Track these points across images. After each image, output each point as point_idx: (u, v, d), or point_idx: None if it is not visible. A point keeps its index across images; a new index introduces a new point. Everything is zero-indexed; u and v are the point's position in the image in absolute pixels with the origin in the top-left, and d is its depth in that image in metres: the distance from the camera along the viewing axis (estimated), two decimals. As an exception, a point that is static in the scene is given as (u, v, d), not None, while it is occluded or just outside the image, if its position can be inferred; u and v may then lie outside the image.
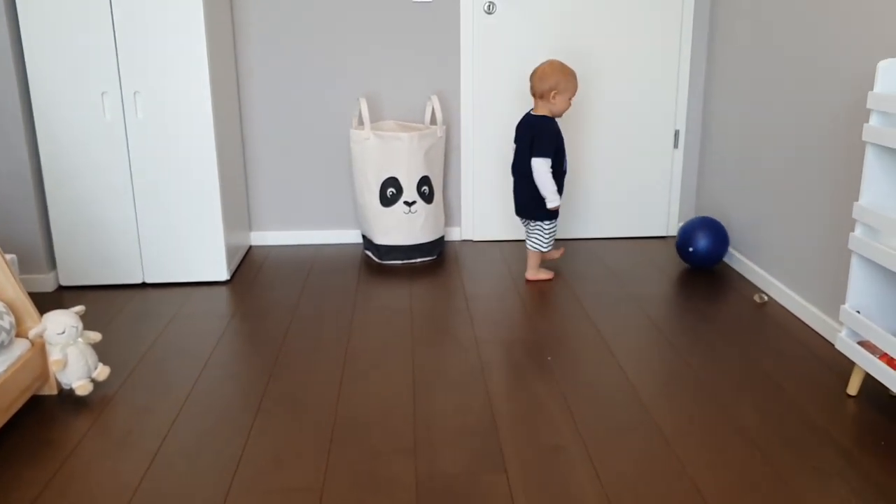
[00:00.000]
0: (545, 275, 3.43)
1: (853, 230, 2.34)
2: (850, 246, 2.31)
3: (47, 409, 2.32)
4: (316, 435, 2.17)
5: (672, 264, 3.69)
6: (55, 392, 2.39)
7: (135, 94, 3.19)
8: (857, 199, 2.31)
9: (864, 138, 2.22)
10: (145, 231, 3.33)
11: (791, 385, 2.45)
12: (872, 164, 2.23)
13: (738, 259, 3.55)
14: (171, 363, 2.64)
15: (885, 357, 2.23)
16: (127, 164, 3.26)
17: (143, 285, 3.40)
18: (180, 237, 3.35)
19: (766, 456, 2.06)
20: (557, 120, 3.28)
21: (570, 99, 3.23)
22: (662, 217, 4.10)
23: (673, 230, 4.12)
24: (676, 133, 3.99)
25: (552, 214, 3.30)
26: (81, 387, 2.35)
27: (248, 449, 2.11)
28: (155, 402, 2.37)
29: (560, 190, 3.28)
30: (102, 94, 3.17)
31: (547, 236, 3.34)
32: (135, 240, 3.33)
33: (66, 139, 3.20)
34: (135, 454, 2.09)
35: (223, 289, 3.38)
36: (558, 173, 3.26)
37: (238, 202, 3.74)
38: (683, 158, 4.03)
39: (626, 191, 4.04)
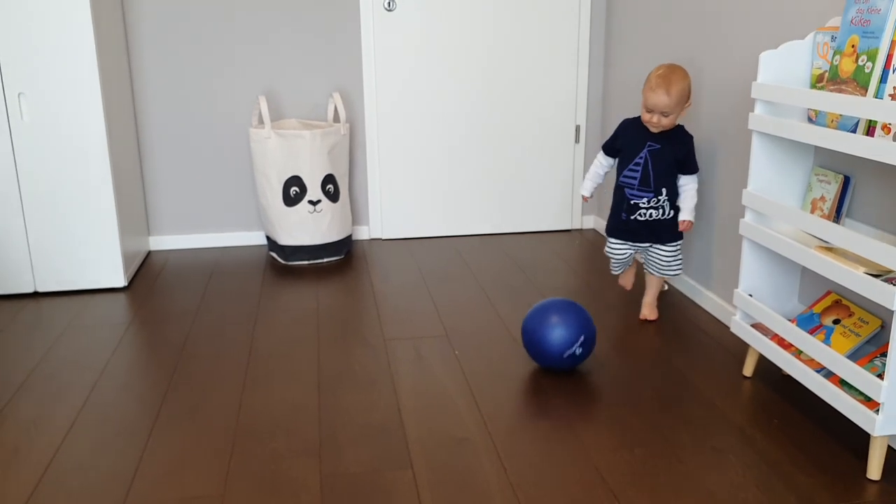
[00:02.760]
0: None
1: (743, 216, 2.44)
2: (741, 231, 2.40)
3: (-75, 429, 2.18)
4: (217, 442, 2.11)
5: (575, 257, 3.76)
6: (-66, 410, 2.25)
7: (19, 95, 3.03)
8: (745, 187, 2.40)
9: (749, 126, 2.31)
10: (35, 238, 3.17)
11: (690, 369, 2.54)
12: (758, 152, 2.33)
13: (640, 249, 3.65)
14: (65, 375, 2.52)
15: (776, 338, 2.33)
16: (13, 169, 3.09)
17: (35, 294, 3.24)
18: (73, 243, 3.21)
19: (665, 437, 2.12)
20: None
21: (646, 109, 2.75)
22: (567, 210, 4.18)
23: (577, 223, 4.21)
24: (577, 128, 4.07)
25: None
26: (-37, 403, 2.22)
27: (145, 459, 2.03)
28: (46, 415, 2.26)
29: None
30: (-17, 94, 3.01)
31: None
32: (24, 247, 3.17)
33: (-56, 143, 3.02)
34: (24, 470, 1.98)
35: (120, 295, 3.25)
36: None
37: (135, 205, 3.61)
38: (585, 153, 4.12)
39: (530, 186, 4.10)
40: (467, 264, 3.60)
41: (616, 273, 3.10)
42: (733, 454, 2.05)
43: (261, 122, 3.63)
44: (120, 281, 3.29)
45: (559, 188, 4.14)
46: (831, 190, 2.23)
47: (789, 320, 2.25)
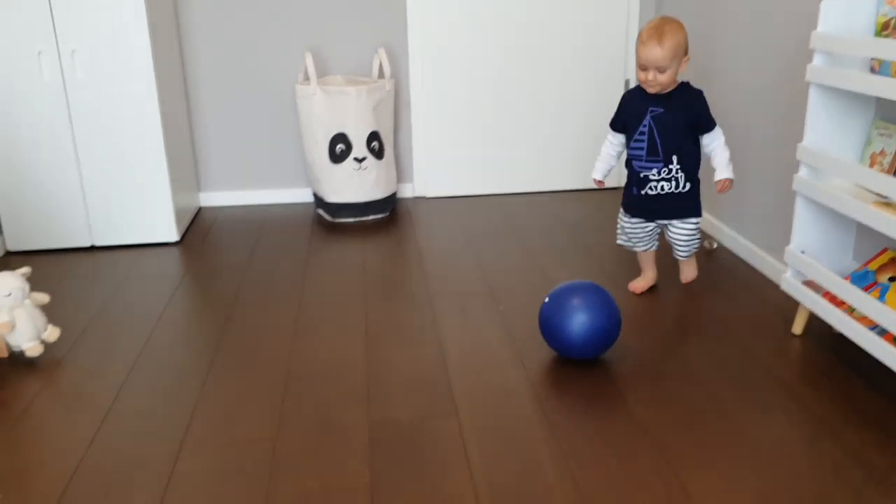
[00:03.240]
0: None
1: (797, 172, 2.39)
2: (795, 187, 2.36)
3: (-5, 373, 2.29)
4: (269, 388, 2.18)
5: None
6: (5, 355, 2.35)
7: (73, 52, 3.09)
8: (800, 141, 2.35)
9: (807, 79, 2.25)
10: (91, 193, 3.26)
11: (738, 327, 2.52)
12: (816, 105, 2.27)
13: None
14: (122, 324, 2.61)
15: (827, 295, 2.29)
16: (69, 125, 3.17)
17: (92, 248, 3.33)
18: (128, 199, 3.29)
19: (711, 393, 2.12)
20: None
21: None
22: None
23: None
24: (627, 83, 4.00)
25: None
26: (31, 348, 2.31)
27: (200, 405, 2.10)
28: (106, 361, 2.35)
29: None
30: (39, 53, 3.07)
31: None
32: (81, 202, 3.26)
33: (4, 99, 3.10)
34: (87, 413, 2.07)
35: (173, 250, 3.33)
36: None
37: (185, 162, 3.68)
38: (634, 109, 4.05)
39: (577, 143, 4.06)
40: (512, 222, 3.60)
41: (624, 244, 2.80)
42: (780, 410, 2.04)
43: (307, 78, 3.65)
44: (172, 236, 3.37)
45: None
46: (892, 144, 2.17)
47: (843, 278, 2.21)
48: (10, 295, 2.28)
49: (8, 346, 2.35)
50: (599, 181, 2.74)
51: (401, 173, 4.01)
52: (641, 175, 2.56)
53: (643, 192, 2.58)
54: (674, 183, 2.55)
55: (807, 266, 2.33)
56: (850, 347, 2.33)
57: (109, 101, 3.16)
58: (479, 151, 4.00)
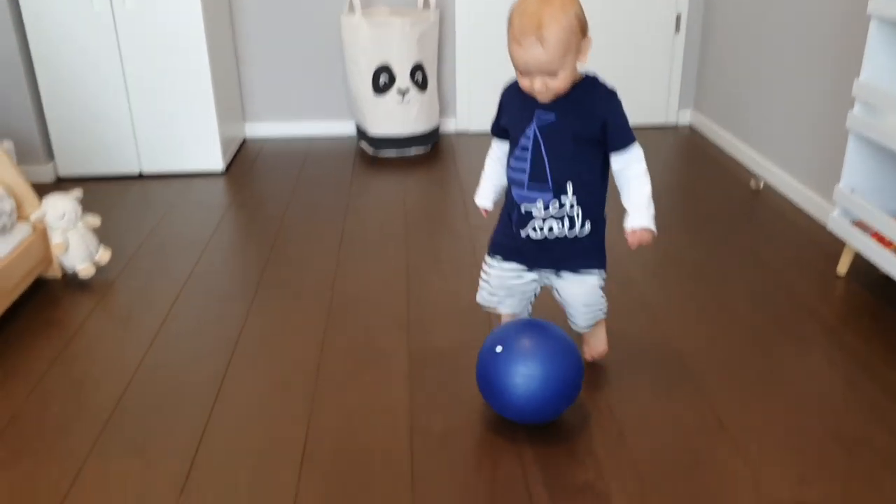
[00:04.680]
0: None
1: (852, 108, 2.32)
2: (848, 124, 2.30)
3: (52, 292, 2.38)
4: (312, 315, 2.23)
5: (669, 153, 3.67)
6: (59, 275, 2.44)
7: (121, -21, 3.11)
8: (856, 76, 2.27)
9: (868, 11, 2.17)
10: (140, 122, 3.31)
11: (782, 266, 2.49)
12: (875, 39, 2.19)
13: (735, 145, 3.53)
14: (170, 249, 2.68)
15: (876, 235, 2.25)
16: (117, 54, 3.20)
17: (140, 176, 3.40)
18: (175, 128, 3.33)
19: (752, 330, 2.12)
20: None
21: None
22: (662, 104, 4.05)
23: (672, 117, 4.08)
24: (678, 17, 3.89)
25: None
26: (84, 270, 2.39)
27: (246, 327, 2.17)
28: (156, 284, 2.42)
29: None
30: (87, -21, 3.09)
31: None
32: (130, 131, 3.32)
33: (54, 29, 3.14)
34: (138, 332, 2.15)
35: (219, 179, 3.39)
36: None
37: (231, 93, 3.70)
38: (685, 44, 3.95)
39: (625, 76, 3.97)
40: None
41: (484, 303, 1.91)
42: (820, 349, 2.03)
43: (352, 9, 3.61)
44: (219, 165, 3.42)
45: (656, 81, 4.00)
46: (952, 80, 2.09)
47: (893, 218, 2.17)
48: (63, 217, 2.36)
49: (62, 267, 2.43)
50: (485, 210, 1.89)
51: (443, 107, 3.98)
52: (523, 210, 1.73)
53: (524, 235, 1.75)
54: (566, 223, 1.71)
55: (856, 205, 2.29)
56: (895, 289, 2.30)
57: (157, 31, 3.18)
58: (523, 86, 3.95)
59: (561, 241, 1.74)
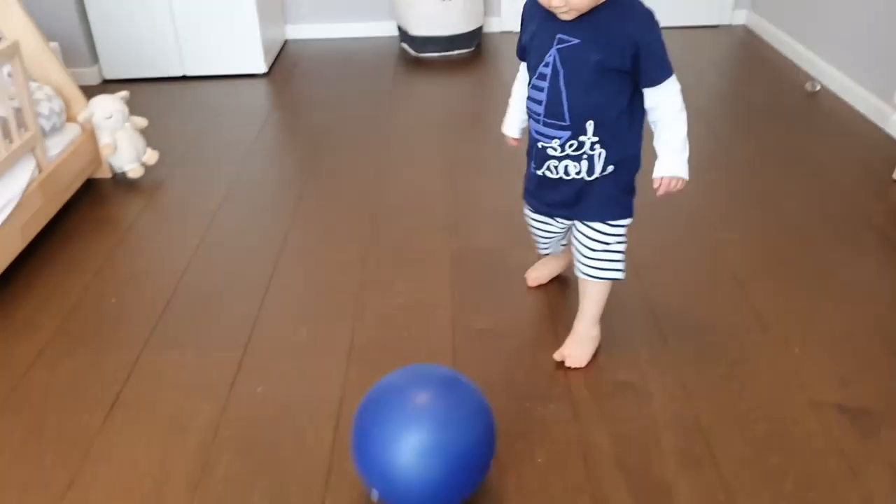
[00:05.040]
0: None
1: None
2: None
3: (102, 191, 2.43)
4: (357, 215, 2.25)
5: (722, 55, 3.54)
6: (109, 175, 2.49)
7: None
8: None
9: None
10: (182, 24, 3.28)
11: (837, 170, 2.42)
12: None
13: (792, 46, 3.38)
14: (216, 151, 2.70)
15: (935, 139, 2.17)
16: (157, -48, 3.16)
17: (184, 78, 3.41)
18: (217, 30, 3.30)
19: (804, 234, 2.08)
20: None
21: None
22: (717, 4, 3.88)
23: (727, 19, 3.91)
24: None
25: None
26: (133, 170, 2.43)
27: (292, 228, 2.20)
28: (203, 185, 2.46)
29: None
30: None
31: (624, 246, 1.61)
32: (172, 33, 3.30)
33: (93, -76, 3.10)
34: (187, 231, 2.20)
35: (261, 81, 3.37)
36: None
37: (272, -7, 3.64)
38: (742, -62, 3.74)
39: (677, -24, 3.81)
40: (602, 59, 3.47)
41: (543, 252, 1.84)
42: (872, 254, 1.99)
43: None
44: (261, 67, 3.40)
45: (708, -21, 3.82)
46: None
47: (956, 119, 2.08)
48: (110, 118, 2.38)
49: (111, 168, 2.48)
50: (514, 139, 1.73)
51: (487, 6, 3.87)
52: (539, 145, 1.54)
53: (540, 173, 1.57)
54: (585, 165, 1.50)
55: (918, 107, 2.20)
56: (954, 194, 2.23)
57: (195, -75, 3.12)
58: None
59: (577, 183, 1.52)
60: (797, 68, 3.29)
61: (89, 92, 2.48)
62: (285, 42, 3.89)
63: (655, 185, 1.50)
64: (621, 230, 1.56)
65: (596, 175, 1.50)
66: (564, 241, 1.77)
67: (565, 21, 1.39)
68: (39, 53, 2.31)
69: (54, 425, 1.53)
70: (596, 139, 1.46)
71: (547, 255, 1.85)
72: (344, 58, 3.64)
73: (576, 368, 1.61)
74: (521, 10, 1.53)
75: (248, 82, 3.35)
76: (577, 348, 1.64)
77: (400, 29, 3.71)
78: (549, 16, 1.41)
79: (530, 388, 1.57)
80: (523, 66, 1.58)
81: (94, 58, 3.36)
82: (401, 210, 2.27)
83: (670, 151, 1.49)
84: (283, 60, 3.63)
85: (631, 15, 1.38)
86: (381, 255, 2.05)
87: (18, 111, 2.09)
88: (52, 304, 1.89)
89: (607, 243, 1.56)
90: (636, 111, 1.49)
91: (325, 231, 2.18)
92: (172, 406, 1.56)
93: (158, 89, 3.28)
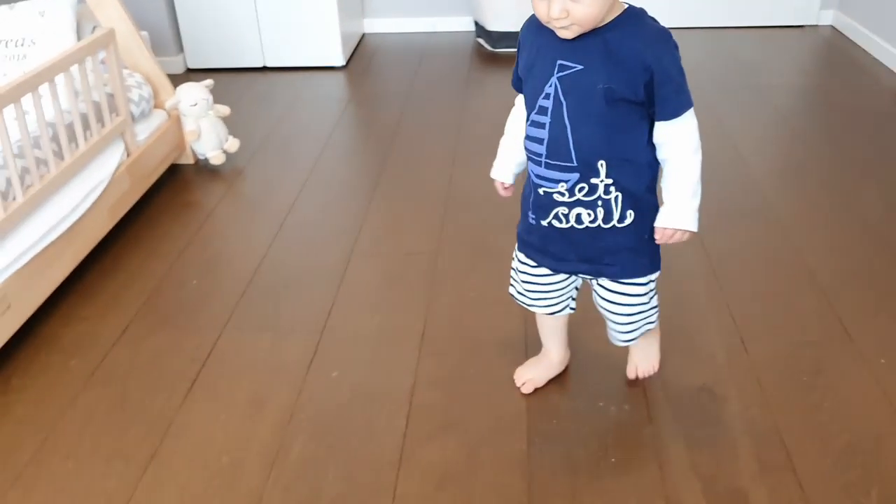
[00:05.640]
0: None
1: None
2: None
3: (186, 177, 2.51)
4: (430, 208, 2.26)
5: (807, 55, 3.44)
6: (192, 161, 2.56)
7: None
8: None
9: None
10: (264, 16, 3.36)
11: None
12: None
13: (883, 47, 3.25)
14: (294, 141, 2.75)
15: None
16: (242, -55, 3.23)
17: (264, 69, 3.48)
18: (297, 22, 3.37)
19: (886, 243, 2.00)
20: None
21: None
22: (802, 4, 3.76)
23: (813, 19, 3.79)
24: None
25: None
26: (215, 157, 2.50)
27: (367, 219, 2.23)
28: (282, 174, 2.51)
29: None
30: None
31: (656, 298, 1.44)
32: (255, 25, 3.38)
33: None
34: (266, 218, 2.25)
35: (339, 74, 3.42)
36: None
37: (352, -14, 3.69)
38: (834, -64, 3.62)
39: (763, -26, 3.71)
40: (683, 59, 3.40)
41: (517, 298, 1.51)
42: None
43: None
44: (339, 60, 3.45)
45: (795, -22, 3.71)
46: None
47: None
48: (196, 105, 2.45)
49: (194, 154, 2.55)
50: (505, 187, 1.49)
51: (566, 3, 3.83)
52: (541, 190, 1.31)
53: (545, 223, 1.33)
54: (601, 212, 1.28)
55: None
56: None
57: (281, -81, 3.18)
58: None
59: (593, 233, 1.30)
60: (887, 70, 3.17)
61: (174, 80, 2.56)
62: (363, 35, 3.93)
63: (656, 235, 1.30)
64: (653, 284, 1.38)
65: (614, 223, 1.28)
66: (573, 297, 1.49)
67: (566, 44, 1.19)
68: (131, 42, 2.40)
69: (137, 400, 1.58)
70: (610, 181, 1.25)
71: (549, 315, 1.50)
72: (420, 52, 3.66)
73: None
74: (519, 34, 1.32)
75: (327, 74, 3.41)
76: (643, 357, 1.54)
77: (476, 24, 3.71)
78: (549, 40, 1.21)
79: (605, 388, 1.56)
80: (520, 99, 1.36)
81: (180, 47, 3.46)
82: (475, 204, 2.28)
83: (679, 198, 1.27)
84: (361, 53, 3.68)
85: (643, 36, 1.19)
86: (454, 248, 2.06)
87: (111, 96, 2.17)
88: (137, 284, 1.95)
89: (643, 303, 1.38)
90: (648, 147, 1.27)
91: (400, 222, 2.20)
92: (250, 387, 1.60)
93: (239, 79, 3.36)
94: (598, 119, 1.20)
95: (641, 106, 1.21)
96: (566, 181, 1.25)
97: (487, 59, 3.53)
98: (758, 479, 1.33)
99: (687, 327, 1.70)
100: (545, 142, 1.25)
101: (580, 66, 1.19)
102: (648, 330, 1.45)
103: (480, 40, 3.72)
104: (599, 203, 1.27)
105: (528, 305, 1.49)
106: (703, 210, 1.28)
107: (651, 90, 1.18)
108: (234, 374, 1.64)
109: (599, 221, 1.28)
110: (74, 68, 2.02)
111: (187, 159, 2.55)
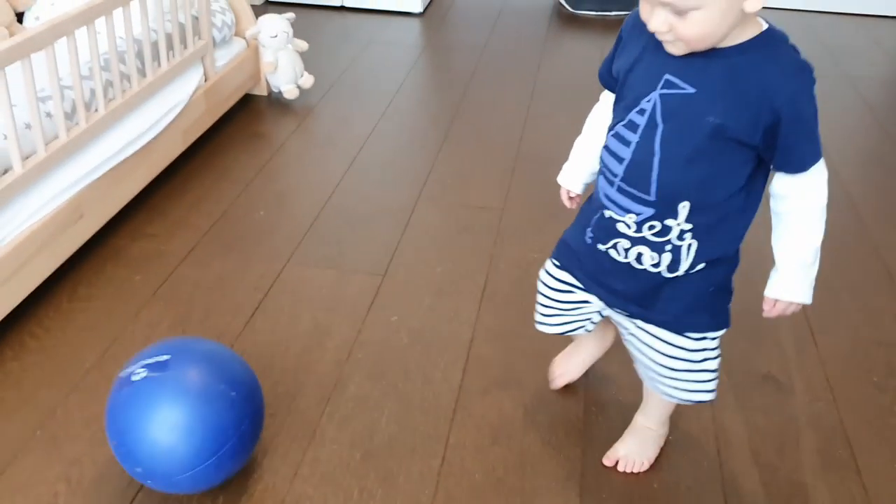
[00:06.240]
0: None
1: None
2: None
3: (258, 108, 2.50)
4: (499, 163, 2.23)
5: (902, 48, 3.29)
6: (265, 93, 2.56)
7: None
8: None
9: None
10: (346, -47, 3.32)
11: None
12: None
13: None
14: (368, 83, 2.73)
15: None
16: None
17: (342, 8, 3.45)
18: (379, -38, 3.32)
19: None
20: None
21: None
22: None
23: (911, 11, 3.62)
24: None
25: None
26: (289, 91, 2.49)
27: (435, 167, 2.21)
28: (353, 114, 2.49)
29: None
30: None
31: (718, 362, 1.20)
32: (336, -39, 3.34)
33: None
34: (336, 155, 2.24)
35: (416, 20, 3.37)
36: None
37: (437, -68, 3.62)
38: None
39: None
40: (769, 39, 3.29)
41: (544, 330, 1.32)
42: None
43: None
44: (416, 7, 3.40)
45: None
46: None
47: None
48: (276, 37, 2.43)
49: (268, 86, 2.54)
50: (571, 196, 1.32)
51: (654, -29, 3.71)
52: (606, 213, 1.11)
53: (602, 249, 1.14)
54: (668, 258, 1.08)
55: None
56: None
57: None
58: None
59: (651, 276, 1.10)
60: None
61: (254, 11, 2.54)
62: (441, -16, 3.87)
63: (764, 307, 1.12)
64: (714, 343, 1.15)
65: (679, 273, 1.08)
66: (589, 329, 1.29)
67: (678, 57, 0.98)
68: (217, -34, 2.38)
69: (198, 321, 1.60)
70: (689, 227, 1.04)
71: (559, 333, 1.31)
72: (498, 7, 3.59)
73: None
74: (621, 27, 1.11)
75: (403, 20, 3.36)
76: (636, 448, 1.29)
77: (559, -17, 3.62)
78: (659, 44, 0.99)
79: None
80: (606, 95, 1.19)
81: (260, -21, 3.44)
82: (544, 166, 2.22)
83: (797, 266, 1.08)
84: (439, 2, 3.62)
85: (780, 69, 0.97)
86: (520, 206, 2.03)
87: (196, 19, 2.16)
88: (205, 207, 1.97)
89: (693, 360, 1.14)
90: (753, 195, 1.06)
91: (468, 174, 2.18)
92: (310, 320, 1.60)
93: (317, 16, 3.33)
94: (695, 155, 1.00)
95: (753, 150, 1.00)
96: (637, 213, 1.06)
97: (567, 21, 3.45)
98: (819, 475, 1.30)
99: (755, 310, 1.66)
100: (625, 162, 1.05)
101: (692, 90, 0.98)
102: (700, 400, 1.18)
103: (562, 1, 3.63)
104: (668, 248, 1.07)
105: (539, 324, 1.31)
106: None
107: (773, 135, 0.98)
108: (296, 305, 1.65)
109: (663, 268, 1.08)
110: (163, -14, 2.02)
111: (261, 90, 2.55)
